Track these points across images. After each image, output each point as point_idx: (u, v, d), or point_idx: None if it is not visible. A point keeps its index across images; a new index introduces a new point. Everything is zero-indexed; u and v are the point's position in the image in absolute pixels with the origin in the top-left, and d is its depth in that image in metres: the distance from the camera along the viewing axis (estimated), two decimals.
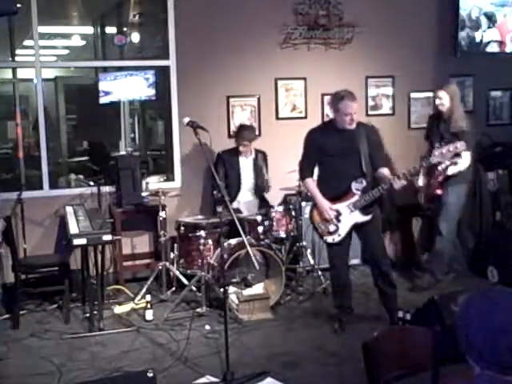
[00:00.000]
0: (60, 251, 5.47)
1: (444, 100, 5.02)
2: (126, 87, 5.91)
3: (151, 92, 5.95)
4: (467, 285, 5.09)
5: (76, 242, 4.34)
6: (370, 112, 6.48)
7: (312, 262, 5.52)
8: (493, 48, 6.75)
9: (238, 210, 5.34)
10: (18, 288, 4.78)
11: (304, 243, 5.56)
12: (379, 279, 4.48)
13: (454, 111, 5.02)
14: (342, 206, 4.33)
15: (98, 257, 4.92)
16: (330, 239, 4.39)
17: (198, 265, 5.03)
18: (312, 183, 4.46)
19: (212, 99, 5.95)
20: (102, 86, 5.87)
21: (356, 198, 4.29)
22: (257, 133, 5.92)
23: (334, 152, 4.31)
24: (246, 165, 5.63)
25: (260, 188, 5.66)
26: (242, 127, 5.63)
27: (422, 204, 5.47)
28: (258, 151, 5.71)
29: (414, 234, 6.23)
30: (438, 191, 5.13)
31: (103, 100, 5.90)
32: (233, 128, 5.96)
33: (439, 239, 5.16)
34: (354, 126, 4.26)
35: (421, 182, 5.22)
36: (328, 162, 4.37)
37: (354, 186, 4.28)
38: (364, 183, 4.28)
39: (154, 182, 5.83)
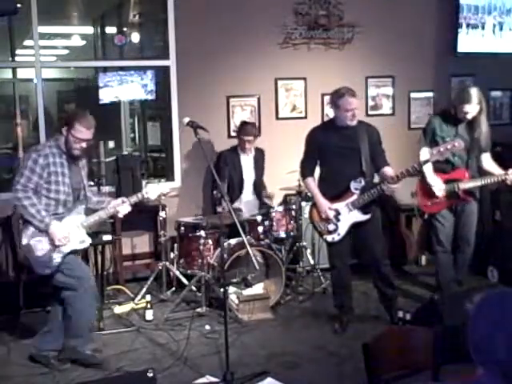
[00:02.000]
0: None
1: (476, 111, 4.47)
2: (125, 87, 5.91)
3: (151, 92, 5.95)
4: (467, 285, 5.08)
5: None
6: (369, 112, 6.48)
7: (312, 262, 5.52)
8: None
9: (239, 209, 5.33)
10: (17, 288, 4.78)
11: (304, 243, 5.56)
12: (378, 280, 4.49)
13: (483, 114, 4.52)
14: (341, 206, 4.33)
15: (98, 257, 4.92)
16: (329, 238, 4.40)
17: (198, 265, 5.03)
18: (312, 182, 4.48)
19: (212, 99, 5.95)
20: (102, 86, 5.87)
21: (355, 197, 4.30)
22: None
23: (334, 151, 4.32)
24: (247, 163, 5.63)
25: (259, 187, 5.66)
26: (244, 123, 5.64)
27: (421, 214, 5.04)
28: (257, 149, 5.71)
29: (414, 233, 6.24)
30: (469, 198, 4.65)
31: (103, 100, 5.91)
32: (233, 128, 5.96)
33: (469, 251, 4.77)
34: (355, 122, 4.27)
35: (440, 192, 4.59)
36: (328, 160, 4.38)
37: (353, 185, 4.29)
38: (363, 183, 4.29)
39: (153, 182, 5.82)
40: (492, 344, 1.46)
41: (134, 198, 4.01)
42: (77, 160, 3.90)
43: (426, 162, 4.16)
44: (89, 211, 3.98)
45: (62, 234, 3.73)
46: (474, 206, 4.73)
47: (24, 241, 3.73)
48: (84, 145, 3.80)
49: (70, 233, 3.78)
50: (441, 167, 4.60)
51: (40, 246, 3.72)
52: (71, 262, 3.84)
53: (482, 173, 4.68)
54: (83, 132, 3.76)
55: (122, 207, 3.96)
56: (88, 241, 3.94)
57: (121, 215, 4.02)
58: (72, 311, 3.85)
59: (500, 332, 1.45)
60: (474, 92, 4.43)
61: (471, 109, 4.42)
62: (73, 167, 3.86)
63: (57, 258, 3.76)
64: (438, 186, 4.57)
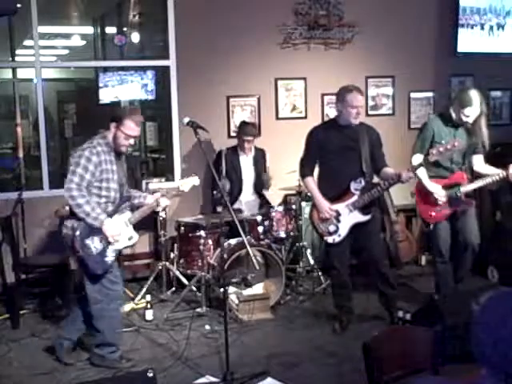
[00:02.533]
0: (60, 251, 5.46)
1: (477, 113, 4.39)
2: (125, 87, 5.91)
3: (151, 92, 5.95)
4: (467, 285, 5.08)
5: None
6: (370, 112, 6.47)
7: (312, 262, 5.52)
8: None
9: (239, 210, 5.33)
10: (18, 288, 4.78)
11: (304, 243, 5.56)
12: (378, 280, 4.48)
13: (483, 116, 4.43)
14: (342, 207, 4.33)
15: None
16: (330, 239, 4.39)
17: (198, 265, 5.03)
18: (312, 182, 4.46)
19: (212, 99, 5.95)
20: (102, 86, 5.87)
21: (355, 198, 4.29)
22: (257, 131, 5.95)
23: (334, 150, 4.31)
24: (246, 163, 5.62)
25: (260, 185, 5.66)
26: (244, 123, 5.64)
27: (426, 225, 4.80)
28: (257, 149, 5.70)
29: (414, 233, 6.24)
30: (472, 201, 4.59)
31: (103, 100, 5.91)
32: (233, 128, 5.96)
33: (472, 253, 4.64)
34: (358, 121, 4.27)
35: (442, 198, 4.48)
36: (328, 160, 4.37)
37: (353, 186, 4.29)
38: (363, 183, 4.28)
39: (154, 182, 5.83)
40: (496, 345, 1.46)
41: (172, 192, 4.01)
42: (121, 155, 3.90)
43: (426, 161, 4.11)
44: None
45: (115, 231, 3.73)
46: (472, 208, 4.65)
47: (77, 238, 3.71)
48: (132, 142, 3.80)
49: (121, 230, 3.79)
50: (440, 174, 4.54)
51: (93, 244, 3.72)
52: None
53: (475, 175, 4.60)
54: (134, 129, 3.75)
55: (163, 200, 3.97)
56: (136, 237, 3.92)
57: (160, 209, 4.05)
58: (101, 324, 3.87)
59: (504, 333, 1.45)
60: (474, 94, 4.34)
61: (472, 112, 4.34)
62: (118, 163, 3.85)
63: (110, 256, 3.76)
64: (439, 193, 4.47)
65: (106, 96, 5.94)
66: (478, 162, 4.63)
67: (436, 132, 4.50)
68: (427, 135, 4.52)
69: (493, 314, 1.47)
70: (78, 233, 3.70)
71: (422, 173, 4.42)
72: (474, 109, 4.34)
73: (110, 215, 3.76)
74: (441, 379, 1.95)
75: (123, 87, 5.93)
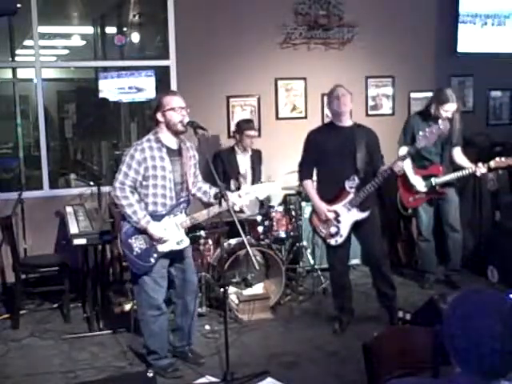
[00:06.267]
0: (60, 251, 5.47)
1: (455, 108, 4.95)
2: (125, 87, 5.91)
3: (151, 92, 5.95)
4: (467, 285, 5.09)
5: (76, 241, 4.35)
6: (369, 112, 6.48)
7: (312, 262, 5.52)
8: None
9: (240, 210, 5.31)
10: (18, 288, 4.78)
11: (304, 243, 5.56)
12: (378, 280, 4.48)
13: (458, 111, 5.04)
14: (339, 206, 4.32)
15: (98, 256, 4.92)
16: (333, 242, 4.36)
17: (198, 265, 5.02)
18: (310, 185, 4.44)
19: (212, 99, 5.95)
20: (102, 86, 5.87)
21: (351, 196, 4.28)
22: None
23: (332, 151, 4.30)
24: (244, 162, 5.60)
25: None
26: (244, 120, 5.63)
27: (404, 210, 5.50)
28: (253, 150, 5.68)
29: (414, 234, 6.23)
30: (446, 191, 5.13)
31: (103, 100, 5.90)
32: (233, 128, 5.95)
33: (457, 236, 5.22)
34: (343, 108, 4.28)
35: (423, 188, 5.08)
36: (326, 162, 4.35)
37: (348, 184, 4.27)
38: (356, 180, 4.26)
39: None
40: (465, 343, 1.47)
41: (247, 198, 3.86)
42: (179, 151, 3.73)
43: (415, 149, 4.23)
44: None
45: (160, 234, 3.63)
46: (452, 193, 5.17)
47: (122, 236, 3.68)
48: (184, 112, 3.67)
49: (169, 233, 3.68)
50: (420, 164, 5.08)
51: (136, 244, 3.66)
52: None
53: (455, 166, 5.10)
54: (174, 99, 3.67)
55: (239, 200, 3.81)
56: (186, 241, 3.79)
57: (237, 208, 3.92)
58: (141, 327, 3.91)
59: (472, 332, 1.46)
60: (451, 92, 4.93)
61: (452, 107, 4.89)
62: (175, 160, 3.71)
63: (153, 257, 3.68)
64: (420, 184, 5.05)
65: (106, 96, 5.93)
66: (457, 154, 5.12)
67: (416, 128, 4.99)
68: (408, 130, 5.12)
69: (460, 315, 1.49)
70: (123, 231, 3.67)
71: (407, 165, 4.89)
72: (453, 104, 4.89)
73: (162, 216, 3.67)
74: (415, 380, 1.97)
75: (123, 87, 5.93)
